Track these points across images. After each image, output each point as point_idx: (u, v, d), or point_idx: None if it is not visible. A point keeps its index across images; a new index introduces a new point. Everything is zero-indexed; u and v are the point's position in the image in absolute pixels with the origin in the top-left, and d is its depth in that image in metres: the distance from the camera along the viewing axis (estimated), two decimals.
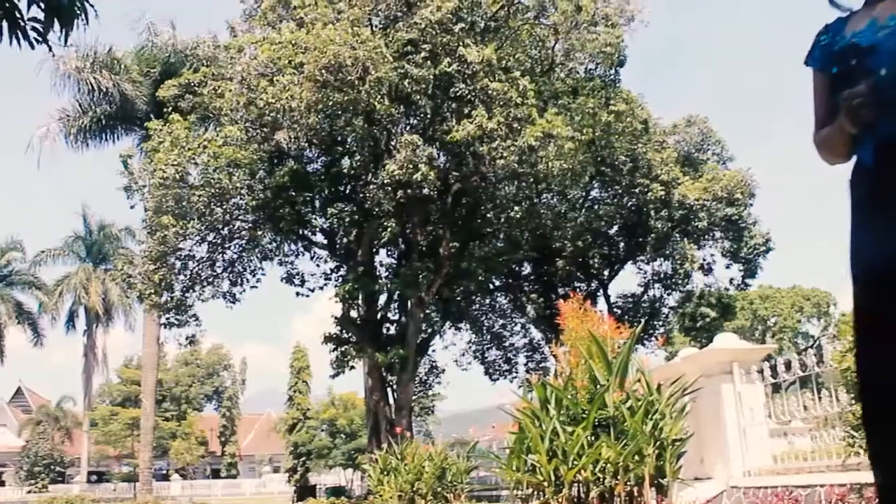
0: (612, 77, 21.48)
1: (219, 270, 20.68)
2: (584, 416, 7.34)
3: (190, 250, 19.70)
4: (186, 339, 21.37)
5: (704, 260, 25.81)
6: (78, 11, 2.90)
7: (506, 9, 17.85)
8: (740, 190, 23.76)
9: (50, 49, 3.01)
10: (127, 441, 47.30)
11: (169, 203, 17.50)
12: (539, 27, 18.70)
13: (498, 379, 26.71)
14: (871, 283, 1.95)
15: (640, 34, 28.47)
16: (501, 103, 16.10)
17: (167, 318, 20.92)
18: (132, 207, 19.21)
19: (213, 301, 20.80)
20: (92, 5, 2.94)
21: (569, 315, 8.56)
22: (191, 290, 20.16)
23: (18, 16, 2.90)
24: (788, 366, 8.56)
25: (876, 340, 1.91)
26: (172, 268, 19.22)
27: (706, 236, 25.35)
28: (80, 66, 22.63)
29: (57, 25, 2.89)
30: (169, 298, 19.85)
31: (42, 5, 2.86)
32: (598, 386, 7.59)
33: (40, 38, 2.91)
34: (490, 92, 15.98)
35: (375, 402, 20.31)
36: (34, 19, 2.93)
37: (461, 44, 16.09)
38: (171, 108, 18.38)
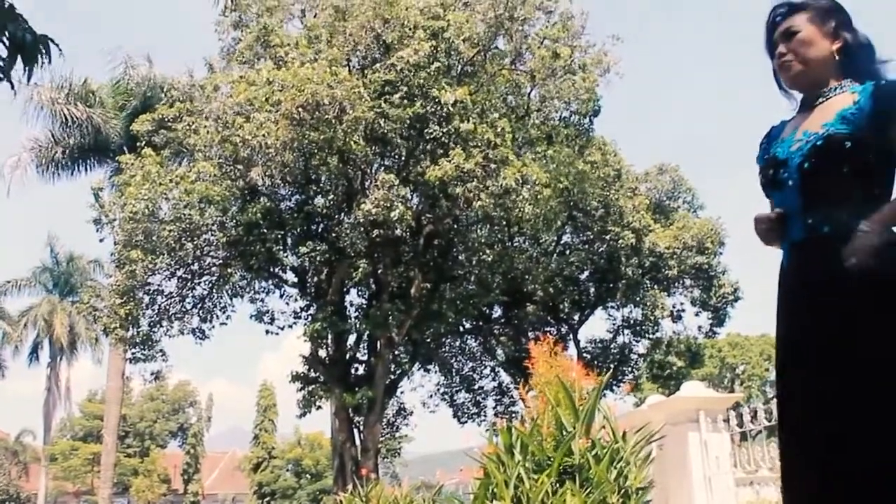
0: (586, 125, 21.74)
1: (188, 306, 20.50)
2: (550, 462, 7.28)
3: (159, 285, 19.51)
4: (152, 374, 21.10)
5: (674, 307, 25.94)
6: (42, 49, 2.89)
7: (482, 54, 18.04)
8: (710, 238, 23.99)
9: (12, 87, 2.99)
10: (87, 477, 46.39)
11: (138, 237, 17.37)
12: (515, 73, 18.90)
13: (466, 422, 26.57)
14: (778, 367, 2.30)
15: (615, 84, 28.89)
16: (479, 144, 16.22)
17: (133, 353, 20.67)
18: (101, 241, 19.08)
19: (181, 337, 20.63)
20: (56, 44, 2.93)
21: (538, 359, 8.54)
22: (158, 326, 19.94)
23: None
24: (755, 415, 8.59)
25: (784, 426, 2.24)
26: (140, 302, 19.00)
27: (676, 284, 25.51)
28: (54, 97, 22.54)
29: (20, 63, 2.87)
30: (135, 333, 19.61)
31: (5, 43, 2.84)
32: (565, 432, 7.55)
33: (2, 76, 2.89)
34: (464, 134, 16.09)
35: (342, 442, 20.11)
36: None
37: (436, 86, 16.23)
38: (144, 143, 18.33)
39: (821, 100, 2.30)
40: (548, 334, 21.14)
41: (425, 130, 16.70)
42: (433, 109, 16.32)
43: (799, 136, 2.26)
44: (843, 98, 2.23)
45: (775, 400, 2.37)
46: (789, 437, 2.20)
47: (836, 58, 2.32)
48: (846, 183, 2.14)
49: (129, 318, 18.74)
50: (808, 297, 2.17)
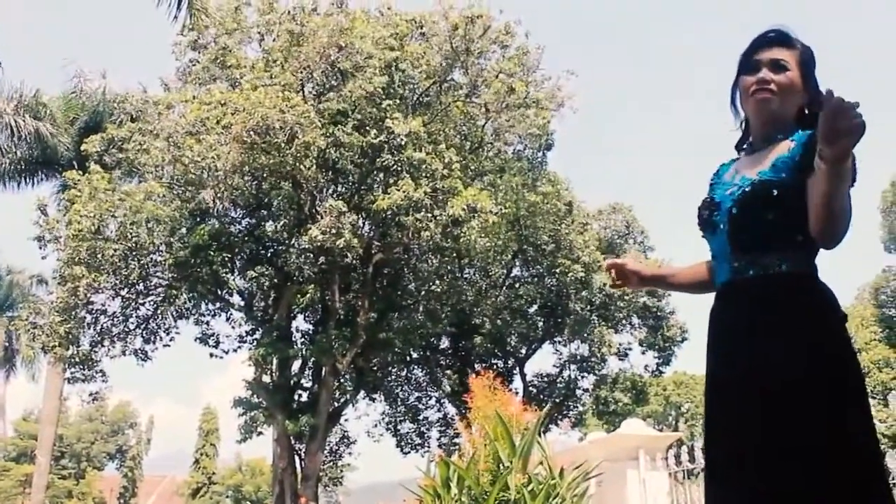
0: (539, 159, 21.93)
1: (131, 326, 20.12)
2: (486, 497, 7.27)
3: (102, 304, 19.14)
4: (90, 395, 20.69)
5: (621, 345, 26.12)
6: None
7: (438, 85, 18.15)
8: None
9: None
10: (18, 499, 45.09)
11: (83, 254, 17.05)
12: (470, 105, 19.02)
13: (409, 452, 26.37)
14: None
15: (569, 119, 29.24)
16: (427, 174, 16.26)
17: (72, 373, 20.20)
18: (44, 258, 18.72)
19: (123, 357, 20.23)
20: None
21: (478, 393, 8.55)
22: (99, 346, 19.52)
23: None
24: (693, 453, 8.68)
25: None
26: (81, 321, 18.63)
27: (624, 322, 25.71)
28: (2, 107, 22.14)
29: None
30: (76, 352, 19.19)
31: None
32: (502, 467, 7.55)
33: None
34: (415, 162, 16.13)
35: (282, 469, 19.83)
36: None
37: (390, 116, 16.27)
38: (94, 162, 18.06)
39: (765, 144, 2.33)
40: (494, 367, 21.16)
41: (378, 159, 16.72)
42: (386, 139, 16.35)
43: (736, 181, 2.30)
44: (782, 146, 2.26)
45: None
46: (712, 477, 2.24)
47: (801, 103, 2.33)
48: (772, 229, 2.18)
49: (70, 336, 18.35)
50: (730, 338, 2.22)
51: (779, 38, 2.34)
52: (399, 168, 16.43)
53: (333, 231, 15.75)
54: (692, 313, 27.15)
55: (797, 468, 1.98)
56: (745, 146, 2.45)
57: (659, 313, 25.22)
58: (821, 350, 2.07)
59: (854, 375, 2.10)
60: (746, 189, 2.23)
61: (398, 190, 15.75)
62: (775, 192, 2.17)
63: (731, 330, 2.23)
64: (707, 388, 2.33)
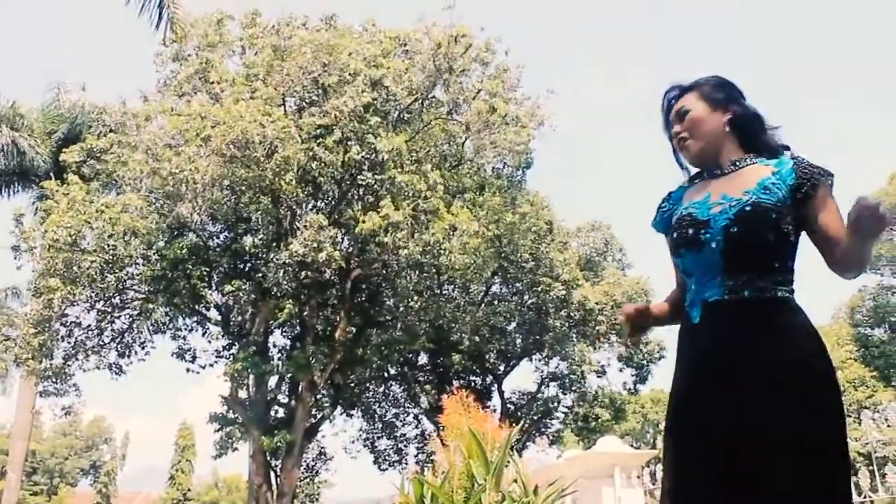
0: (519, 177, 21.97)
1: (106, 340, 19.92)
2: None
3: (77, 317, 18.94)
4: (63, 409, 20.43)
5: (599, 363, 26.18)
6: None
7: (420, 102, 18.18)
8: (639, 297, 24.33)
9: None
10: None
11: (58, 266, 16.88)
12: (451, 122, 19.06)
13: (387, 469, 26.24)
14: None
15: (549, 138, 29.36)
16: (409, 195, 16.24)
17: (45, 387, 19.97)
18: (19, 268, 18.51)
19: (98, 371, 20.02)
20: None
21: (452, 410, 8.52)
22: (73, 359, 19.31)
23: None
24: None
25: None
26: (56, 334, 18.43)
27: (602, 340, 25.75)
28: None
29: None
30: (49, 365, 18.99)
31: None
32: (476, 485, 7.52)
33: None
34: (397, 182, 16.12)
35: (258, 486, 19.63)
36: None
37: (372, 133, 16.27)
38: (72, 172, 17.93)
39: (732, 168, 2.42)
40: (473, 384, 21.07)
41: (358, 176, 16.70)
42: (368, 156, 16.34)
43: (718, 200, 2.35)
44: (759, 169, 2.36)
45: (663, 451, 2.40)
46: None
47: (728, 129, 2.45)
48: (769, 251, 2.25)
49: (43, 349, 18.14)
50: (722, 355, 2.24)
51: (675, 92, 2.59)
52: (379, 186, 16.42)
53: (314, 245, 15.70)
54: (669, 330, 27.11)
55: (792, 478, 2.04)
56: (696, 180, 2.57)
57: None
58: (816, 367, 2.16)
59: (839, 392, 2.21)
60: (745, 208, 2.28)
61: (378, 213, 15.70)
62: (774, 216, 2.25)
63: (724, 345, 2.24)
64: (677, 407, 2.35)
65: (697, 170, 2.57)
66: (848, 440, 2.20)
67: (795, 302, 2.27)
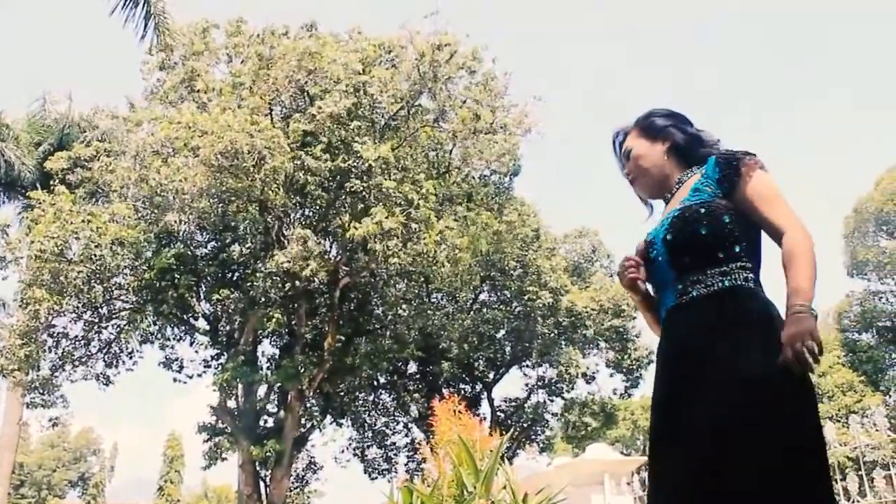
0: (506, 185, 21.99)
1: (94, 350, 19.85)
2: None
3: (64, 328, 18.82)
4: (50, 420, 20.29)
5: (588, 368, 26.18)
6: None
7: (406, 110, 18.18)
8: (626, 301, 24.38)
9: None
10: None
11: (45, 276, 16.79)
12: (438, 130, 19.04)
13: (377, 478, 26.19)
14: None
15: (536, 145, 29.35)
16: (398, 202, 16.21)
17: (31, 398, 19.84)
18: (5, 279, 18.42)
19: (85, 382, 19.92)
20: None
21: (442, 418, 8.50)
22: (60, 370, 19.21)
23: None
24: None
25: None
26: (42, 345, 18.31)
27: (591, 345, 25.78)
28: None
29: None
30: (35, 377, 18.88)
31: None
32: (466, 493, 7.50)
33: None
34: (386, 190, 16.09)
35: (247, 496, 19.54)
36: None
37: (357, 140, 16.25)
38: (58, 181, 17.84)
39: (677, 186, 2.58)
40: (462, 392, 21.03)
41: (346, 184, 16.68)
42: (355, 163, 16.32)
43: (664, 218, 2.51)
44: (693, 177, 2.52)
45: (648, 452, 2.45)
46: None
47: (667, 157, 2.63)
48: (707, 245, 2.32)
49: (30, 360, 18.02)
50: (677, 359, 2.32)
51: (620, 136, 2.78)
52: (367, 194, 16.39)
53: (301, 259, 15.67)
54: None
55: (758, 467, 2.04)
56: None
57: (626, 335, 25.33)
58: (774, 353, 2.13)
59: (806, 376, 2.16)
60: (675, 216, 2.40)
61: (371, 219, 15.67)
62: (702, 210, 2.34)
63: (678, 348, 2.32)
64: (652, 406, 2.40)
65: (658, 201, 2.72)
66: (796, 426, 2.12)
67: (749, 287, 2.29)
